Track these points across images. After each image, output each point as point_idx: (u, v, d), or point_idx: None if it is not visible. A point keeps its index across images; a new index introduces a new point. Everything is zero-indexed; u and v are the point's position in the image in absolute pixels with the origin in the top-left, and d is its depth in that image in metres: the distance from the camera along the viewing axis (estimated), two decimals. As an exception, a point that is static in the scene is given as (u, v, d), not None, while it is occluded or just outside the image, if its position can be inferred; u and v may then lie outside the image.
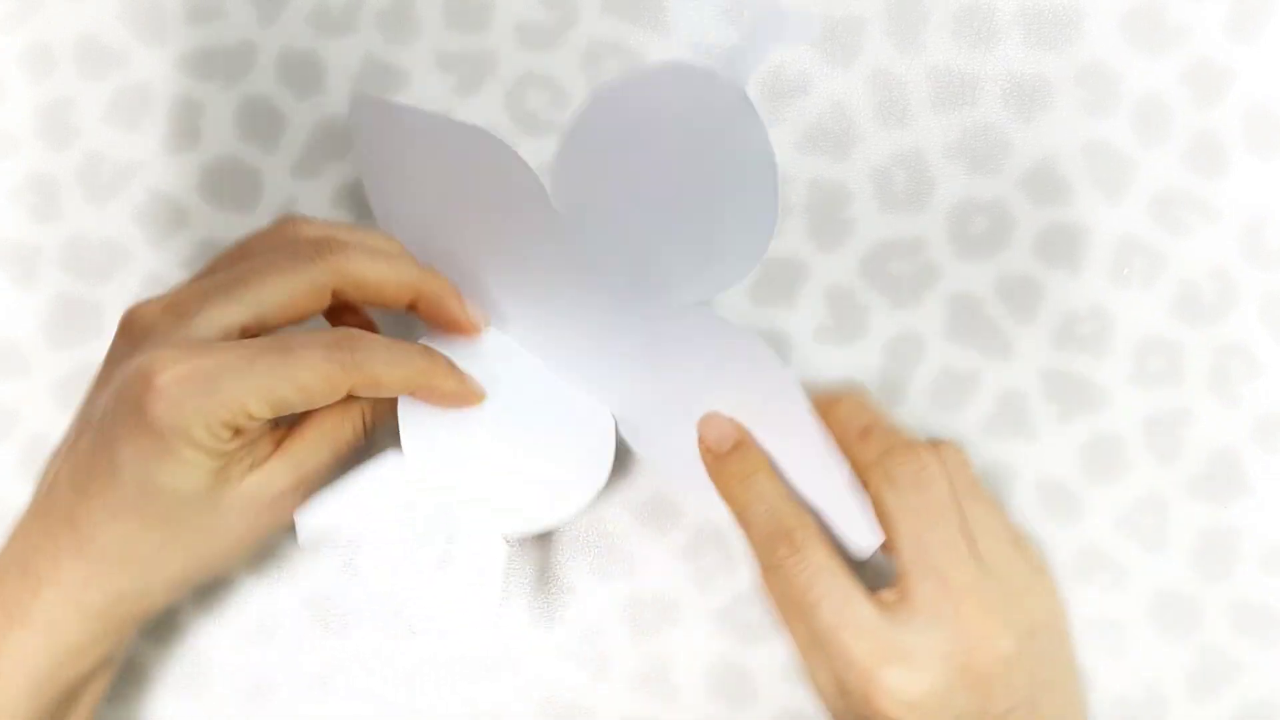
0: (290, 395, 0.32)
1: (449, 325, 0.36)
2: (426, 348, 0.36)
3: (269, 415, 0.32)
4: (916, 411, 0.40)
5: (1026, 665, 0.33)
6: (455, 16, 0.42)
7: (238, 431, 0.32)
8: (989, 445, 0.40)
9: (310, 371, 0.32)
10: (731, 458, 0.35)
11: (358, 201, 0.42)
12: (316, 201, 0.42)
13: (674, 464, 0.37)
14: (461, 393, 0.36)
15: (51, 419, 0.41)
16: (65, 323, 0.42)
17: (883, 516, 0.34)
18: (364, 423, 0.36)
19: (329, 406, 0.34)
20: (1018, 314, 0.41)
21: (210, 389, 0.30)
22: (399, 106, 0.38)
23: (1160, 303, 0.40)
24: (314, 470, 0.34)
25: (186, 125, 0.42)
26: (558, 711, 0.40)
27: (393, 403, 0.36)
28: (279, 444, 0.34)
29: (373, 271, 0.34)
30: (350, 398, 0.33)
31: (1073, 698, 0.36)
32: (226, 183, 0.42)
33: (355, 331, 0.34)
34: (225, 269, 0.34)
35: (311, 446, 0.34)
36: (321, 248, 0.33)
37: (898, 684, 0.32)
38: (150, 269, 0.42)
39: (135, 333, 0.33)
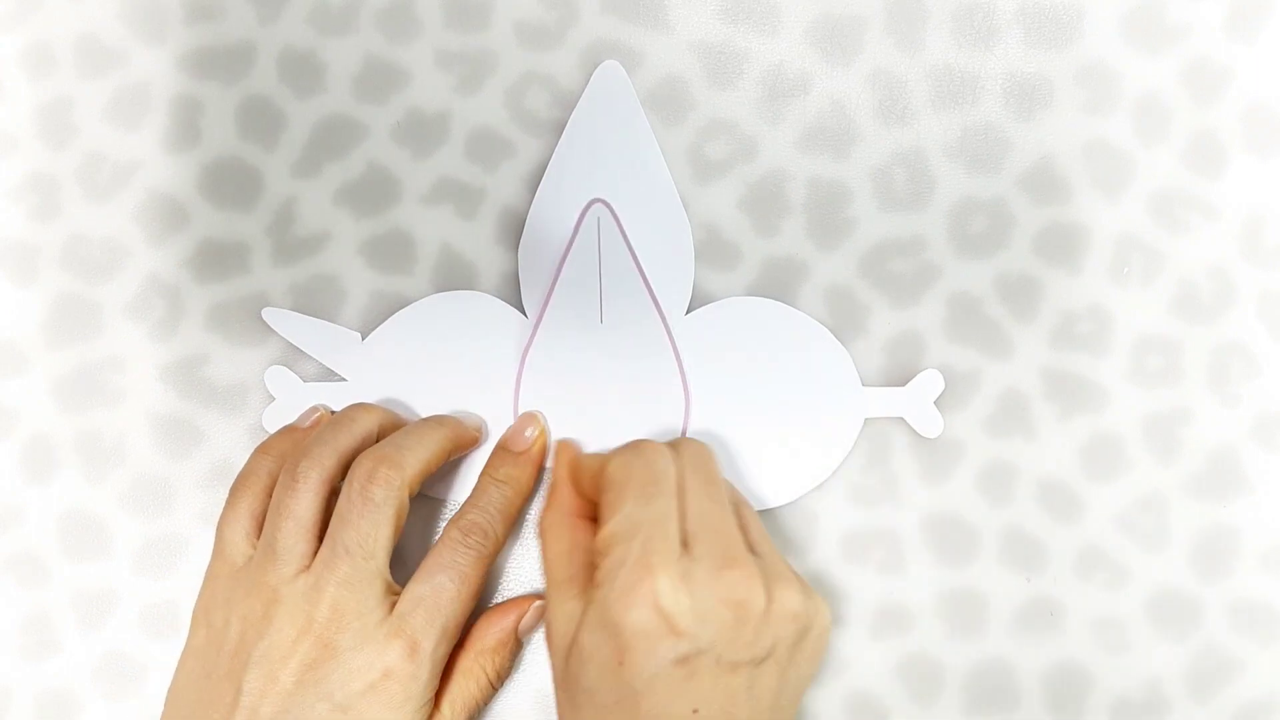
0: (466, 604, 0.37)
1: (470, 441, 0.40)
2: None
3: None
4: (916, 411, 0.40)
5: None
6: (455, 16, 0.42)
7: None
8: (989, 444, 0.40)
9: (470, 577, 0.37)
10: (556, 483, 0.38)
11: (358, 201, 0.42)
12: (317, 201, 0.42)
13: None
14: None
15: (51, 419, 0.41)
16: (65, 322, 0.42)
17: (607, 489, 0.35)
18: (488, 678, 0.38)
19: (456, 667, 0.37)
20: (1018, 313, 0.41)
21: (430, 654, 0.35)
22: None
23: (1159, 301, 0.40)
24: None
25: (186, 125, 0.42)
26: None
27: (514, 654, 0.39)
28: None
29: (433, 458, 0.38)
30: (472, 657, 0.38)
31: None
32: (227, 182, 0.42)
33: (466, 522, 0.38)
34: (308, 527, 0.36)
35: (449, 713, 0.37)
36: (383, 477, 0.36)
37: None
38: (150, 269, 0.42)
39: (327, 645, 0.35)
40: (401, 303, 0.41)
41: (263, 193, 0.42)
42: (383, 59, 0.42)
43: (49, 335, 0.42)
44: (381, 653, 0.34)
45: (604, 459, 0.36)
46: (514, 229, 0.41)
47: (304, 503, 0.36)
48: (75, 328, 0.42)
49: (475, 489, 0.39)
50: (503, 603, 0.39)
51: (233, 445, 0.41)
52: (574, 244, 0.39)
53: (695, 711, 0.32)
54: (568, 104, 0.41)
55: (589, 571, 0.34)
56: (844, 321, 0.41)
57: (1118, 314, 0.40)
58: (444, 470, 0.40)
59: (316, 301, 0.41)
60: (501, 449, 0.40)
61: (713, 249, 0.41)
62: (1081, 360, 0.40)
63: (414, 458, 0.37)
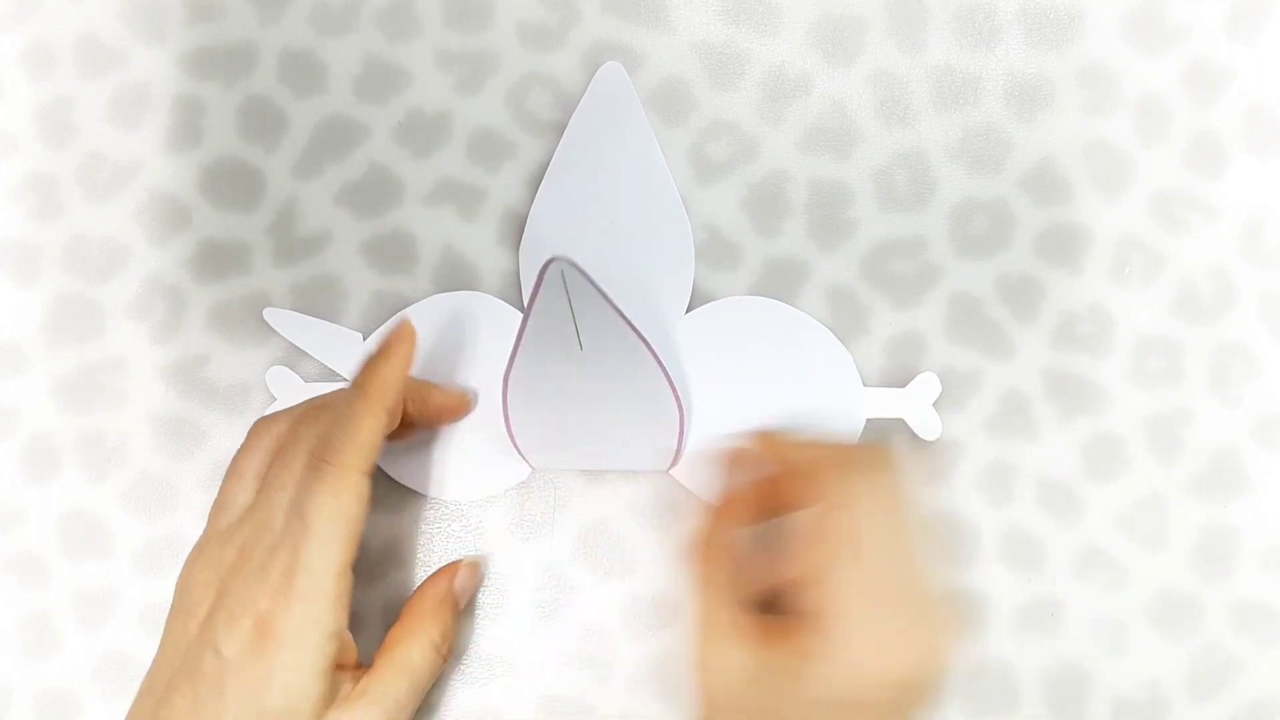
0: (356, 531, 0.34)
1: (449, 413, 0.40)
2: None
3: (353, 559, 0.34)
4: (917, 411, 0.40)
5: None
6: (455, 16, 0.42)
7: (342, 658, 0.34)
8: (990, 445, 0.40)
9: (350, 506, 0.34)
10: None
11: (359, 201, 0.42)
12: (317, 201, 0.42)
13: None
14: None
15: (52, 419, 0.41)
16: (65, 322, 0.42)
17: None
18: (433, 644, 0.36)
19: (395, 635, 0.36)
20: (1018, 314, 0.41)
21: (304, 589, 0.33)
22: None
23: (1160, 302, 0.40)
24: (395, 704, 0.35)
25: (187, 125, 0.42)
26: (558, 711, 0.40)
27: (454, 615, 0.38)
28: (358, 685, 0.34)
29: (379, 430, 0.35)
30: (410, 621, 0.36)
31: None
32: (227, 182, 0.42)
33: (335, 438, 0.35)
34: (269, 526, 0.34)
35: (388, 683, 0.35)
36: (340, 458, 0.34)
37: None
38: (150, 269, 0.42)
39: (223, 592, 0.34)
40: (403, 303, 0.41)
41: (264, 193, 0.42)
42: (383, 59, 0.42)
43: (49, 335, 0.42)
44: (255, 591, 0.33)
45: (805, 460, 0.33)
46: (515, 230, 0.41)
47: (248, 457, 0.35)
48: (76, 328, 0.42)
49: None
50: (431, 575, 0.38)
51: (233, 445, 0.41)
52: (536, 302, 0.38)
53: None
54: (569, 105, 0.41)
55: (751, 610, 0.32)
56: (845, 322, 0.41)
57: (1119, 315, 0.40)
58: (422, 462, 0.40)
59: (317, 302, 0.41)
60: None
61: (714, 250, 0.41)
62: (1082, 361, 0.40)
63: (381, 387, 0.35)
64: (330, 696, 0.33)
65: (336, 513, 0.33)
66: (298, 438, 0.35)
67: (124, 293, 0.42)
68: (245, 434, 0.37)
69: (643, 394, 0.37)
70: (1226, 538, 0.40)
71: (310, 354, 0.41)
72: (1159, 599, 0.40)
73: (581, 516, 0.40)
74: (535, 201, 0.40)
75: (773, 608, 0.32)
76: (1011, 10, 0.41)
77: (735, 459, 0.36)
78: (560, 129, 0.41)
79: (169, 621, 0.35)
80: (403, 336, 0.37)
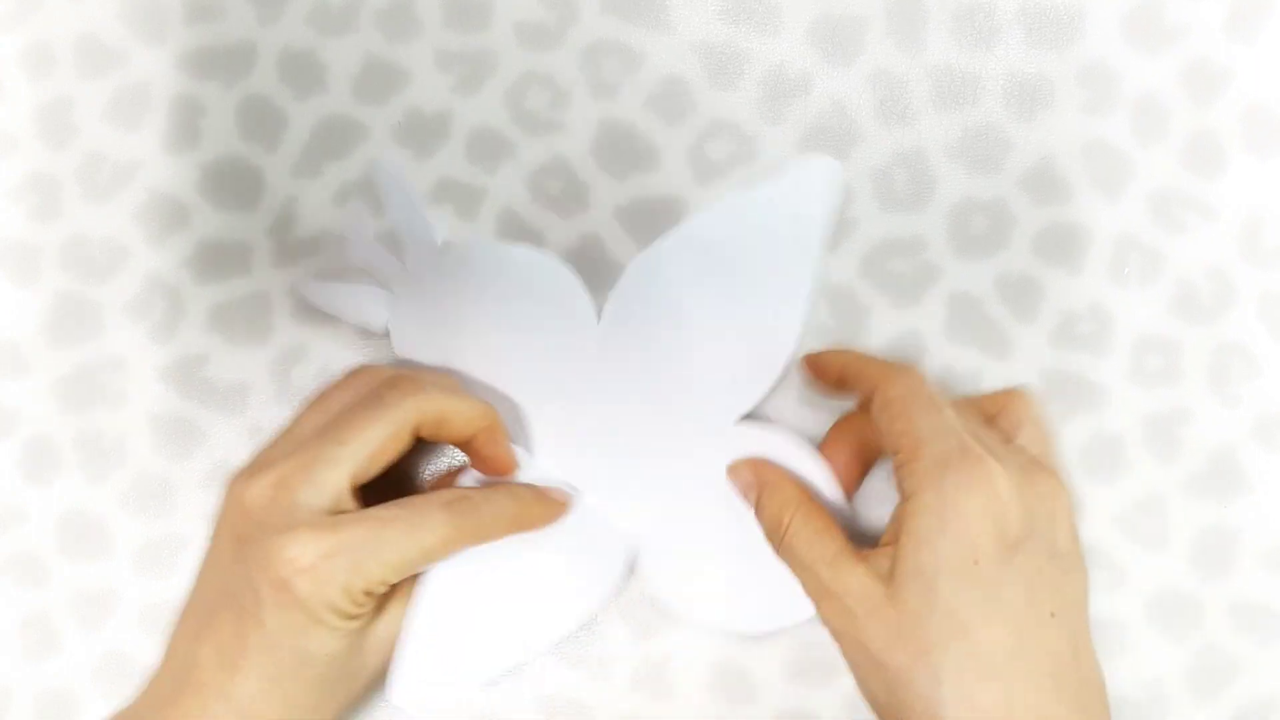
0: (418, 559, 0.35)
1: (494, 463, 0.38)
2: (513, 490, 0.38)
3: (400, 578, 0.35)
4: (917, 411, 0.40)
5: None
6: (455, 16, 0.42)
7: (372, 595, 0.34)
8: (989, 444, 0.40)
9: (434, 535, 0.34)
10: (761, 504, 0.37)
11: (358, 201, 0.42)
12: (317, 201, 0.42)
13: (696, 600, 0.39)
14: (547, 517, 0.38)
15: (52, 419, 0.41)
16: (65, 322, 0.42)
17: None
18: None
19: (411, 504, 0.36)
20: (1018, 313, 0.41)
21: (351, 565, 0.33)
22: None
23: (1159, 302, 0.40)
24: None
25: (187, 125, 0.42)
26: (558, 711, 0.40)
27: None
28: (393, 590, 0.36)
29: (450, 409, 0.35)
30: (433, 511, 0.35)
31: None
32: (227, 182, 0.42)
33: (462, 491, 0.36)
34: (311, 421, 0.35)
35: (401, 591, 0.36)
36: (402, 391, 0.35)
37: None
38: (150, 269, 0.42)
39: (255, 514, 0.33)
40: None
41: (263, 193, 0.42)
42: (383, 59, 0.42)
43: (49, 335, 0.42)
44: (296, 542, 0.32)
45: (846, 364, 0.37)
46: (514, 230, 0.41)
47: (337, 395, 0.35)
48: (75, 328, 0.42)
49: (496, 487, 0.37)
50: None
51: (233, 445, 0.41)
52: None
53: (1054, 615, 0.32)
54: (568, 104, 0.41)
55: (849, 545, 0.34)
56: (845, 322, 0.41)
57: (1118, 314, 0.40)
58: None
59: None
60: (541, 492, 0.38)
61: (713, 249, 0.41)
62: (1082, 360, 0.40)
63: (440, 397, 0.35)
64: (359, 629, 0.35)
65: (432, 553, 0.35)
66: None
67: (123, 293, 0.42)
68: (244, 435, 0.38)
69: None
70: (1226, 538, 0.40)
71: (346, 320, 0.40)
72: (1159, 599, 0.40)
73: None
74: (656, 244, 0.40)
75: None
76: (1011, 10, 0.41)
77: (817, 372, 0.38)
78: (560, 128, 0.41)
79: (214, 539, 0.35)
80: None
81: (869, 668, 0.33)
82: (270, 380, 0.41)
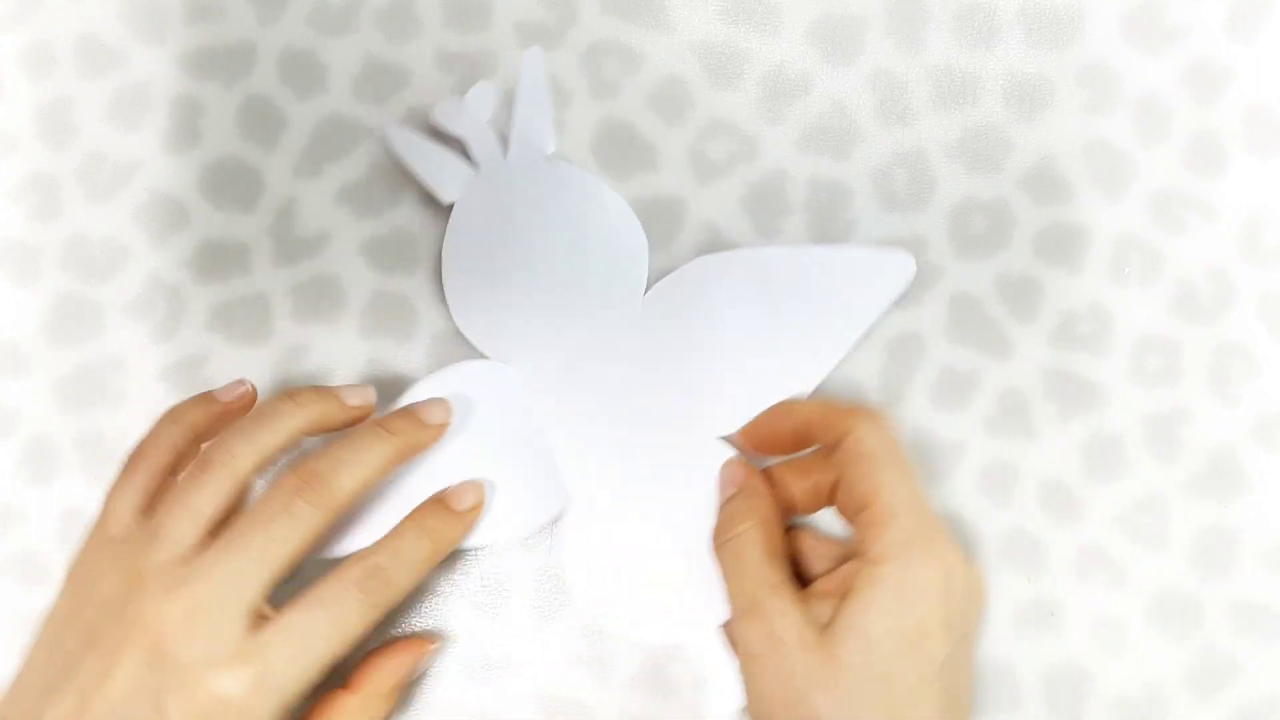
0: (341, 651, 0.33)
1: (424, 449, 0.37)
2: (420, 527, 0.36)
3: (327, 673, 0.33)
4: (917, 411, 0.40)
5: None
6: (455, 16, 0.42)
7: None
8: (989, 445, 0.40)
9: (355, 624, 0.33)
10: (731, 499, 0.37)
11: (358, 201, 0.42)
12: (317, 201, 0.42)
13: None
14: (462, 534, 0.38)
15: (52, 419, 0.41)
16: (65, 322, 0.42)
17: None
18: None
19: (341, 712, 0.35)
20: (1018, 313, 0.41)
21: (280, 687, 0.31)
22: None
23: (1159, 302, 0.40)
24: None
25: (187, 125, 0.42)
26: (558, 711, 0.40)
27: (402, 693, 0.37)
28: None
29: (361, 483, 0.35)
30: (363, 702, 0.35)
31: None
32: (227, 182, 0.42)
33: (370, 562, 0.34)
34: (189, 521, 0.33)
35: None
36: (313, 492, 0.33)
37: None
38: (150, 269, 0.42)
39: (171, 638, 0.31)
40: (402, 303, 0.41)
41: (263, 193, 0.42)
42: (383, 59, 0.42)
43: (49, 335, 0.42)
44: (221, 676, 0.31)
45: (811, 412, 0.36)
46: (514, 229, 0.41)
47: (206, 498, 0.33)
48: (75, 328, 0.42)
49: (394, 531, 0.35)
50: (394, 641, 0.37)
51: (233, 445, 0.41)
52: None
53: (960, 694, 0.33)
54: (568, 104, 0.41)
55: (794, 573, 0.35)
56: (844, 322, 0.41)
57: (1118, 314, 0.40)
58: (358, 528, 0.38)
59: (317, 302, 0.41)
60: (438, 502, 0.37)
61: (713, 249, 0.41)
62: (1082, 360, 0.40)
63: (350, 480, 0.34)
64: None
65: (356, 637, 0.33)
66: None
67: (124, 293, 0.42)
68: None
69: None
70: (1226, 538, 0.40)
71: (419, 177, 0.40)
72: (1159, 599, 0.40)
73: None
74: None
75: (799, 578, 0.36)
76: (1011, 10, 0.41)
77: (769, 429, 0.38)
78: (560, 128, 0.41)
79: (80, 641, 0.33)
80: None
81: (783, 700, 0.33)
82: (270, 380, 0.41)
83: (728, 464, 0.38)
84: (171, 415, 0.36)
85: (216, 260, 0.42)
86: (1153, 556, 0.40)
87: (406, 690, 0.38)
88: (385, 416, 0.37)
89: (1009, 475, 0.40)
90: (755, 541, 0.35)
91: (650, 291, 0.40)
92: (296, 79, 0.42)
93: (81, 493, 0.41)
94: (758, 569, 0.34)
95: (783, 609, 0.33)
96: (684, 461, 0.39)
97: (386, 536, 0.35)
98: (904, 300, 0.41)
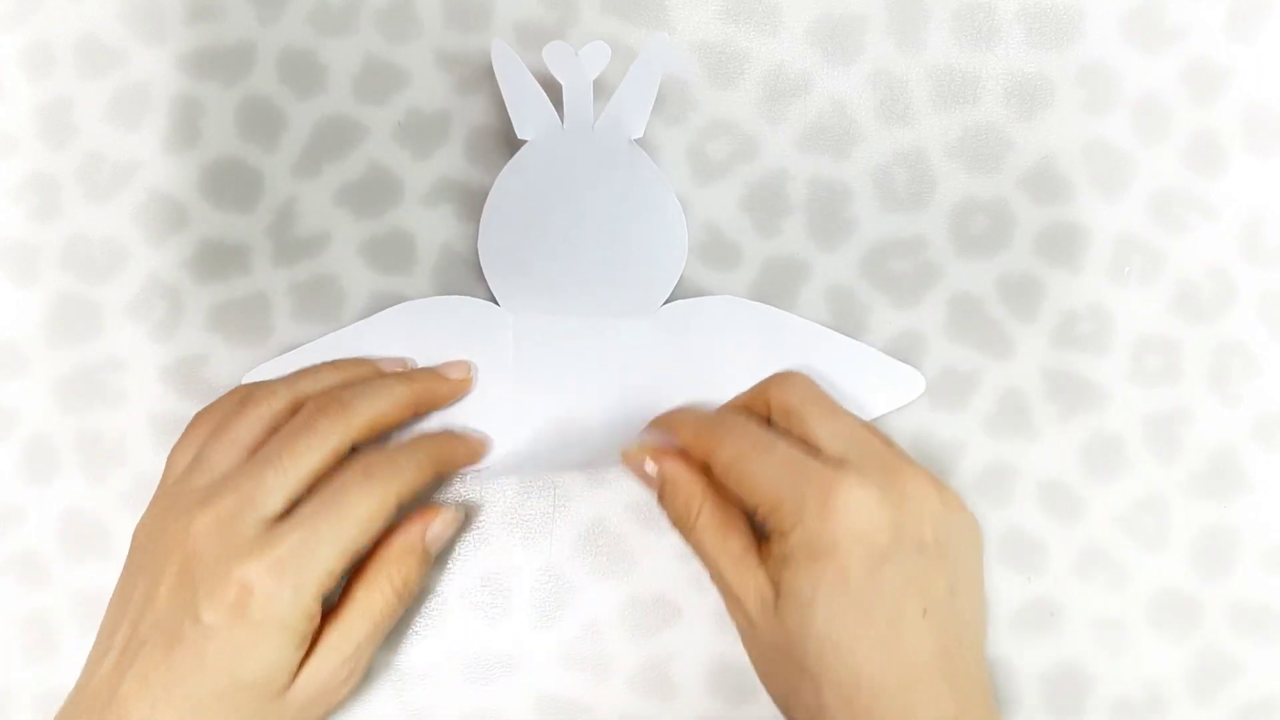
0: (358, 536, 0.35)
1: (443, 403, 0.40)
2: (433, 436, 0.39)
3: (349, 561, 0.35)
4: (917, 411, 0.40)
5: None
6: (455, 16, 0.42)
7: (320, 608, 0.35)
8: (989, 444, 0.40)
9: (363, 508, 0.35)
10: (666, 496, 0.37)
11: (358, 201, 0.42)
12: (317, 201, 0.42)
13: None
14: (469, 457, 0.39)
15: (52, 419, 0.41)
16: (65, 322, 0.42)
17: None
18: (394, 590, 0.37)
19: (358, 579, 0.36)
20: (1018, 313, 0.41)
21: (296, 573, 0.33)
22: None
23: (1159, 301, 0.40)
24: (355, 647, 0.36)
25: (186, 125, 0.42)
26: (558, 711, 0.40)
27: (421, 563, 0.37)
28: (319, 634, 0.35)
29: (378, 413, 0.37)
30: (376, 566, 0.36)
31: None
32: (227, 182, 0.42)
33: (372, 453, 0.36)
34: (222, 452, 0.36)
35: (349, 628, 0.36)
36: (333, 412, 0.36)
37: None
38: (150, 269, 0.42)
39: (200, 547, 0.34)
40: (402, 303, 0.41)
41: (263, 193, 0.42)
42: (383, 59, 0.42)
43: (49, 335, 0.42)
44: (241, 568, 0.33)
45: (706, 438, 0.36)
46: (514, 229, 0.41)
47: (244, 426, 0.36)
48: (75, 328, 0.42)
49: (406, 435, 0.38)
50: (410, 514, 0.38)
51: (233, 445, 0.41)
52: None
53: (925, 612, 0.33)
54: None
55: (755, 542, 0.35)
56: (845, 321, 0.41)
57: (1118, 314, 0.40)
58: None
59: (317, 302, 0.41)
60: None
61: (713, 249, 0.41)
62: (1082, 360, 0.40)
63: (368, 407, 0.36)
64: (300, 659, 0.34)
65: (366, 521, 0.34)
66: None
67: (123, 293, 0.42)
68: (231, 392, 0.38)
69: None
70: (1226, 538, 0.40)
71: (506, 99, 0.40)
72: (1159, 599, 0.40)
73: (581, 516, 0.40)
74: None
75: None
76: (1011, 10, 0.41)
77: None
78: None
79: (131, 576, 0.35)
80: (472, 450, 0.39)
81: (767, 668, 0.35)
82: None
83: (629, 455, 0.37)
84: (251, 395, 0.37)
85: (216, 260, 0.42)
86: (1153, 556, 0.40)
87: (430, 557, 0.38)
88: (410, 371, 0.39)
89: (1009, 475, 0.40)
90: (706, 523, 0.35)
91: (668, 305, 0.40)
92: (296, 79, 0.42)
93: (81, 492, 0.41)
94: (717, 547, 0.35)
95: (745, 583, 0.34)
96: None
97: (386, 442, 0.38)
98: (904, 300, 0.41)
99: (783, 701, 0.35)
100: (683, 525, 0.36)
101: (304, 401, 0.37)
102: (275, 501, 0.34)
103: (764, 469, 0.34)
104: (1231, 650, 0.40)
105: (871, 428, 0.36)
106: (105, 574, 0.41)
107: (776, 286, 0.41)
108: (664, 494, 0.36)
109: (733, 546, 0.35)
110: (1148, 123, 0.41)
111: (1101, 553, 0.40)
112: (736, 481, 0.34)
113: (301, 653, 0.34)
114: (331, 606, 0.36)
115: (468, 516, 0.40)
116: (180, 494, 0.35)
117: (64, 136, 0.42)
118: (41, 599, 0.41)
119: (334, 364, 0.39)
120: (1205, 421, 0.40)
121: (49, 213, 0.42)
